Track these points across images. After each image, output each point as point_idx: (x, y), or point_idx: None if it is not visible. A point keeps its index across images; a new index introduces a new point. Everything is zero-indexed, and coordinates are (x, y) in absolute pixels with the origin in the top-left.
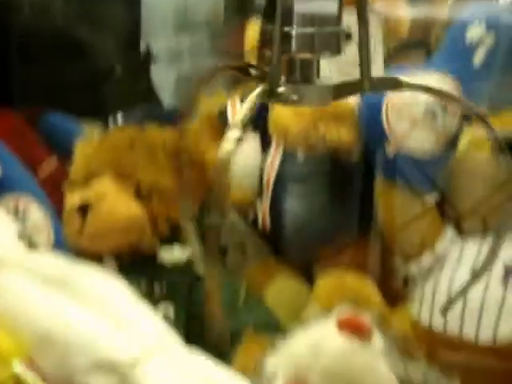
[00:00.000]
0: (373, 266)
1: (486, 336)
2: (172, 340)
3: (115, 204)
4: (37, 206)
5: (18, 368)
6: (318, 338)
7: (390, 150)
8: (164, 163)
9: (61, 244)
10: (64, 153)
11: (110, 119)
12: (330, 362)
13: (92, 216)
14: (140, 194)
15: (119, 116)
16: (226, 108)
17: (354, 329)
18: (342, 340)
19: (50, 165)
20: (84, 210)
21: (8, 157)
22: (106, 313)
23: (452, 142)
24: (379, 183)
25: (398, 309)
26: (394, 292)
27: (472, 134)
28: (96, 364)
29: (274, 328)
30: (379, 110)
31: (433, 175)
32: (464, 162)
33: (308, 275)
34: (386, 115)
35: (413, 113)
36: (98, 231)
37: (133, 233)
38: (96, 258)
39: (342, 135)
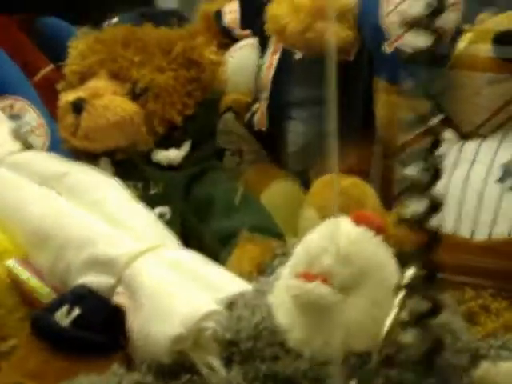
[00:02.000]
0: (371, 169)
1: (481, 235)
2: (168, 239)
3: (110, 101)
4: (32, 108)
5: (12, 264)
6: (333, 228)
7: (389, 48)
8: (160, 62)
9: (56, 147)
10: (60, 60)
11: (106, 23)
12: (346, 244)
13: (86, 113)
14: (135, 93)
15: (115, 19)
16: (222, 9)
17: (370, 223)
18: (358, 228)
19: (46, 71)
20: (79, 108)
21: (2, 58)
22: (102, 211)
23: (451, 40)
24: (377, 84)
25: (394, 212)
26: (392, 196)
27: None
28: (91, 261)
29: (270, 230)
30: (377, 6)
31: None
32: (463, 59)
33: (306, 182)
34: (384, 12)
35: (411, 9)
36: (93, 128)
37: (128, 131)
38: (91, 158)
39: (340, 33)
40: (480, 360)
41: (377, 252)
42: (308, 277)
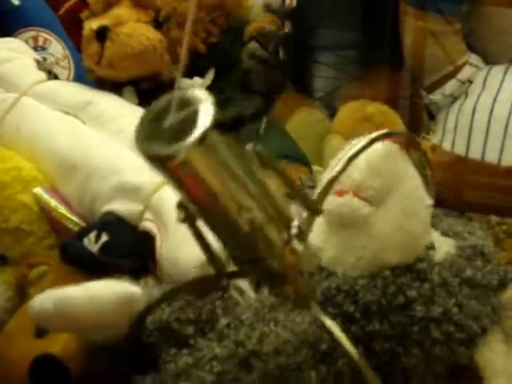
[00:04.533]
0: (397, 96)
1: (508, 159)
2: None
3: (134, 29)
4: (57, 40)
5: (40, 192)
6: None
7: None
8: None
9: (81, 79)
10: None
11: None
12: (375, 158)
13: (110, 41)
14: (158, 21)
15: None
16: None
17: (395, 139)
18: (386, 143)
19: (70, 4)
20: (102, 36)
21: None
22: (127, 139)
23: None
24: (404, 10)
25: (421, 137)
26: (418, 123)
27: None
28: (118, 189)
29: (295, 157)
30: None
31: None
32: None
33: (331, 108)
34: None
35: None
36: (117, 56)
37: (151, 59)
38: (115, 87)
39: None
40: (509, 282)
41: (404, 165)
42: (340, 192)
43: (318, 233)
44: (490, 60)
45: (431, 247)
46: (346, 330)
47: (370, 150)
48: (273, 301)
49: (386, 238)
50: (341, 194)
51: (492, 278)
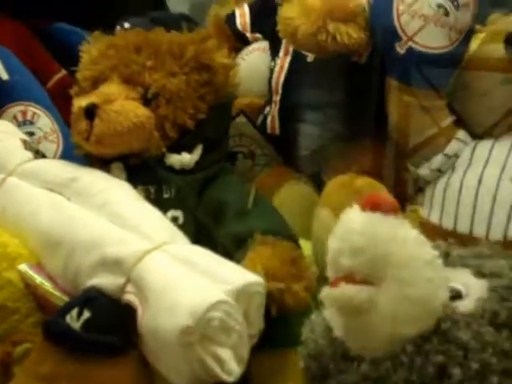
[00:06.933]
0: (384, 170)
1: (496, 235)
2: (176, 235)
3: (122, 106)
4: (45, 114)
5: (25, 269)
6: (343, 222)
7: (401, 48)
8: (171, 66)
9: (70, 152)
10: (72, 65)
11: (117, 27)
12: (356, 238)
13: (99, 118)
14: (147, 98)
15: (126, 24)
16: (233, 12)
17: (376, 204)
18: (365, 217)
19: (59, 77)
20: (91, 113)
21: (16, 64)
22: (110, 212)
23: (464, 39)
24: (390, 84)
25: (408, 210)
26: (405, 196)
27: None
28: (100, 263)
29: (283, 233)
30: (390, 7)
31: (444, 75)
32: (475, 60)
33: (318, 182)
34: (397, 13)
35: (424, 9)
36: (105, 134)
37: (140, 136)
38: (104, 163)
39: (352, 34)
40: None
41: (392, 232)
42: (333, 283)
43: (339, 324)
44: (471, 122)
45: (457, 296)
46: None
47: (351, 230)
48: None
49: (394, 313)
50: (333, 284)
51: None
